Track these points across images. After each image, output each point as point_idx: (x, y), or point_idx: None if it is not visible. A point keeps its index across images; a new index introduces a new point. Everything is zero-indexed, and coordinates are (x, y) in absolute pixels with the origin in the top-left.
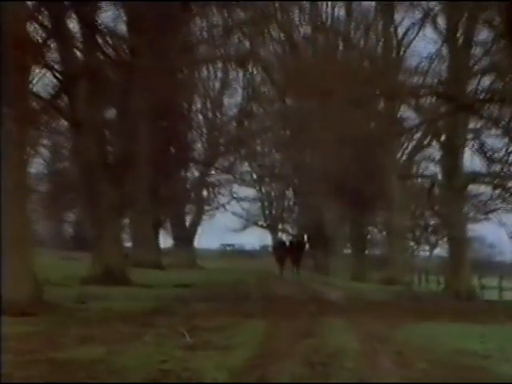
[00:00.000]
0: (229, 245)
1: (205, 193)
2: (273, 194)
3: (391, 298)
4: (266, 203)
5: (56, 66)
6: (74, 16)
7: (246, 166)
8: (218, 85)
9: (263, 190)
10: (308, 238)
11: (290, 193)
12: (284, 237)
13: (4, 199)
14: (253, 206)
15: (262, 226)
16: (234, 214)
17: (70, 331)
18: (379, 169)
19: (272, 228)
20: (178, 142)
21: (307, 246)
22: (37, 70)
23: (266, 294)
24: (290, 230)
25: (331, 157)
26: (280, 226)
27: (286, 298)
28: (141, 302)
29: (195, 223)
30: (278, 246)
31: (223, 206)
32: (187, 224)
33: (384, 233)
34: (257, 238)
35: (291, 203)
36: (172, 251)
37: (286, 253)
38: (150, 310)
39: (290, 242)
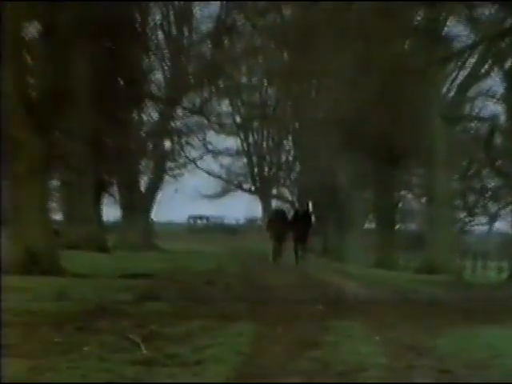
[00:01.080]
0: (201, 217)
1: (167, 143)
2: (264, 144)
3: (433, 293)
4: (254, 158)
5: None
6: None
7: (225, 105)
8: None
9: (250, 140)
10: (314, 207)
11: (288, 143)
12: (282, 205)
13: None
14: (236, 162)
15: (248, 191)
16: (208, 173)
17: None
18: (416, 108)
19: (263, 193)
20: (129, 71)
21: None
22: None
23: (255, 288)
24: (289, 196)
25: (347, 91)
26: (274, 191)
27: (285, 293)
28: (77, 299)
29: (153, 187)
30: (275, 217)
31: (193, 161)
32: (142, 188)
33: (423, 200)
34: (241, 208)
35: (290, 158)
36: (120, 226)
37: (287, 228)
38: (89, 311)
39: (295, 213)
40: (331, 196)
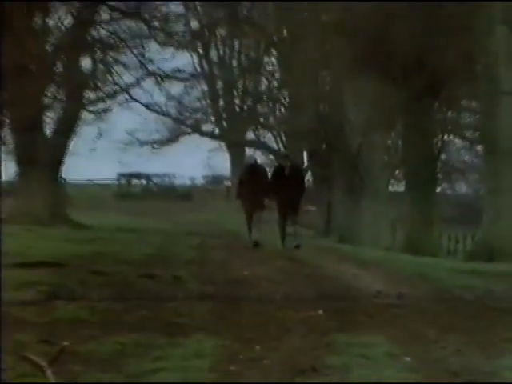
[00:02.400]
0: (138, 176)
1: (86, 61)
2: (234, 63)
3: (493, 291)
4: (219, 84)
5: None
6: None
7: (174, 3)
8: None
9: (213, 56)
10: (310, 159)
11: (271, 61)
12: (259, 157)
13: None
14: (191, 90)
15: (210, 136)
16: (149, 108)
17: None
18: (468, 10)
19: (233, 139)
20: None
21: (309, 177)
22: None
23: (220, 283)
24: (273, 144)
25: None
26: (251, 135)
27: (266, 292)
28: None
29: (65, 129)
30: (249, 174)
31: (126, 90)
32: (48, 131)
33: (478, 148)
34: (199, 162)
35: (274, 84)
36: (16, 189)
37: (267, 192)
38: None
39: (277, 169)
40: (338, 142)
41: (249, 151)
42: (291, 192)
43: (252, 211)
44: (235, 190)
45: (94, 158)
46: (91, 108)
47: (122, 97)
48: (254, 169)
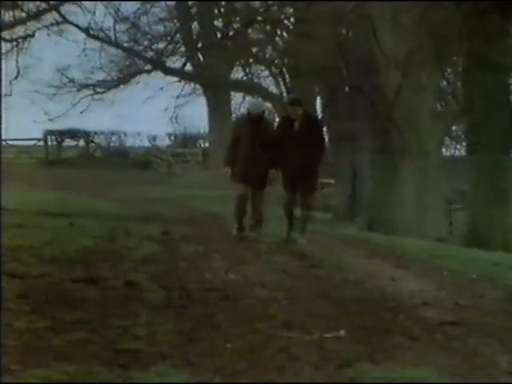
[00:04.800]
0: (74, 134)
1: None
2: None
3: None
4: None
5: None
6: None
7: None
8: None
9: None
10: (326, 108)
11: None
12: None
13: None
14: (150, 6)
15: (179, 75)
16: (89, 34)
17: None
18: None
19: (212, 78)
20: None
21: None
22: None
23: (193, 291)
24: (272, 87)
25: None
26: (239, 73)
27: (261, 304)
28: None
29: None
30: (250, 129)
31: (56, 9)
32: None
33: None
34: (163, 114)
35: None
36: None
37: (273, 158)
38: None
39: (284, 121)
40: (366, 84)
41: (236, 99)
42: (303, 156)
43: (249, 187)
44: (226, 152)
45: (9, 109)
46: (6, 34)
47: (50, 17)
48: (258, 122)
